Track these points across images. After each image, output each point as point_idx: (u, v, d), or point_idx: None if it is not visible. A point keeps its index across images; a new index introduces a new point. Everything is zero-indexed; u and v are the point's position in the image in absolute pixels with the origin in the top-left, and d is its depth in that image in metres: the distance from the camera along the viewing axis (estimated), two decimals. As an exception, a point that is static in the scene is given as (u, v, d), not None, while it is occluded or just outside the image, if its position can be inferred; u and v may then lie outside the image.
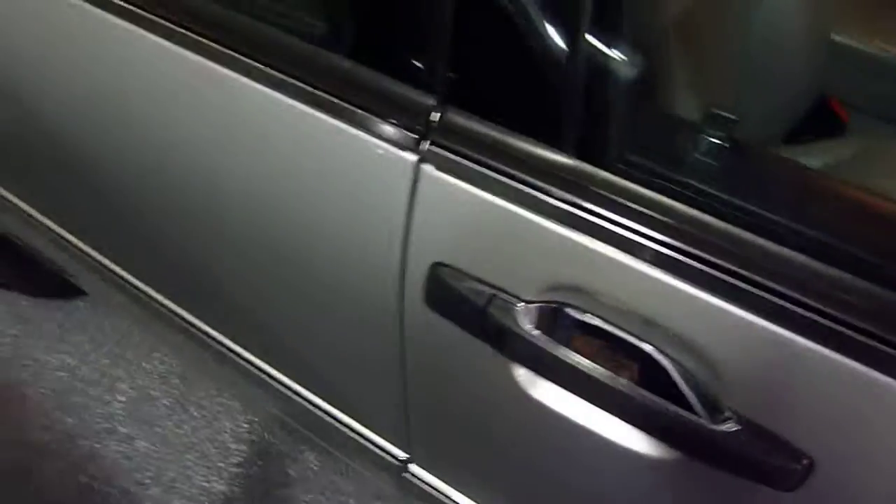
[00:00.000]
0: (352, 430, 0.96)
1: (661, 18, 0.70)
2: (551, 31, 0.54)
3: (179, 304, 1.09)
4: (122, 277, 1.15)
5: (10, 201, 1.27)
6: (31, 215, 1.25)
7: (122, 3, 0.75)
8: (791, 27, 1.18)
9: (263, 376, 1.02)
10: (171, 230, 0.94)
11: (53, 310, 1.84)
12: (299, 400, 1.00)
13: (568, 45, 0.54)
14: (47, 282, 1.77)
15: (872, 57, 1.35)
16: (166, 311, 1.11)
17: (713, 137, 0.55)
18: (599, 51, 0.54)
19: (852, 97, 1.34)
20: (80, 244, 1.19)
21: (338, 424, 0.97)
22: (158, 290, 1.10)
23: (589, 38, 0.53)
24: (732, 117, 0.54)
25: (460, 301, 0.61)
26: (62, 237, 1.21)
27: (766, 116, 1.13)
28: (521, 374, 0.63)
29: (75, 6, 0.79)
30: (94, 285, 1.31)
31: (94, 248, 1.17)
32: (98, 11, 0.77)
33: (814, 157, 1.21)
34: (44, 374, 1.71)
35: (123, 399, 1.68)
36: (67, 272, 1.39)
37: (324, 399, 0.97)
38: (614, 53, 0.55)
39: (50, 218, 1.22)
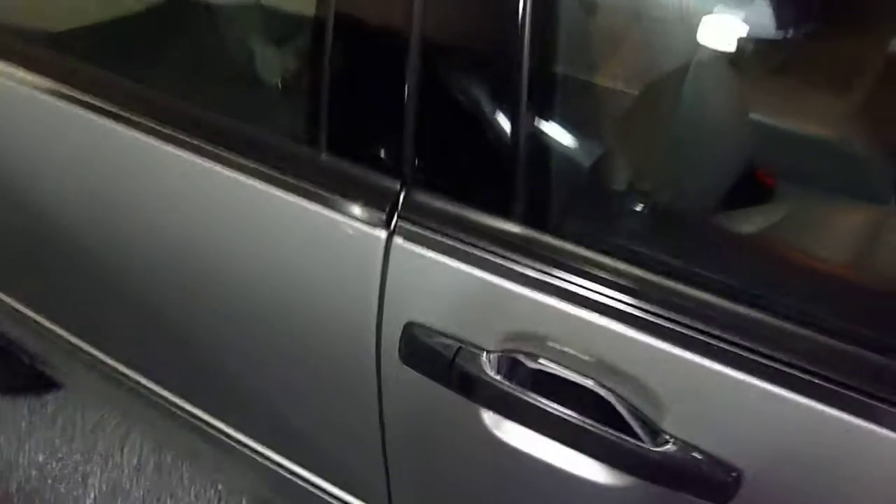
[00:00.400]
0: (332, 496, 1.01)
1: (592, 110, 0.82)
2: (499, 123, 0.66)
3: (157, 382, 1.14)
4: (99, 358, 1.19)
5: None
6: (6, 302, 1.29)
7: (106, 104, 0.85)
8: (713, 108, 1.34)
9: (242, 448, 1.07)
10: (151, 308, 1.00)
11: (22, 405, 1.84)
12: (278, 470, 1.04)
13: (512, 135, 0.65)
14: (18, 377, 1.78)
15: (790, 133, 1.52)
16: (144, 389, 1.16)
17: (637, 205, 0.66)
18: (539, 138, 0.66)
19: (777, 168, 1.50)
20: (57, 328, 1.23)
21: (318, 492, 1.02)
22: (136, 369, 1.15)
23: (530, 127, 0.65)
24: (654, 187, 0.65)
25: (431, 355, 0.70)
26: (39, 322, 1.25)
27: (695, 188, 1.26)
28: (488, 418, 0.71)
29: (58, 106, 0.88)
30: (69, 369, 1.35)
31: (70, 330, 1.22)
32: (77, 109, 0.87)
33: (745, 223, 1.34)
34: (13, 472, 1.70)
35: (95, 493, 1.67)
36: (43, 359, 1.42)
37: (303, 467, 1.02)
38: (552, 140, 0.67)
39: (27, 303, 1.26)
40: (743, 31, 1.28)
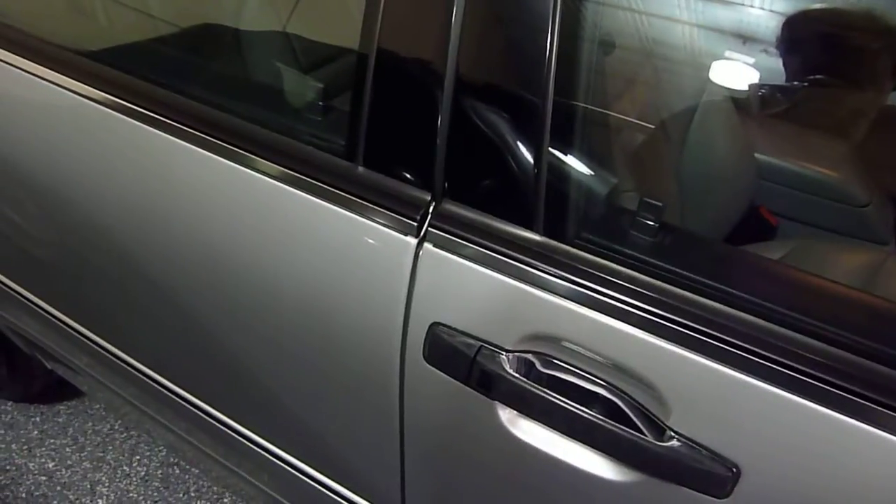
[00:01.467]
0: (345, 499, 1.05)
1: (608, 138, 0.89)
2: (521, 141, 0.72)
3: (178, 384, 1.18)
4: (122, 360, 1.24)
5: (13, 290, 1.37)
6: (33, 302, 1.34)
7: (154, 114, 0.92)
8: (720, 147, 1.42)
9: (258, 450, 1.11)
10: (177, 310, 1.05)
11: (35, 414, 1.88)
12: (292, 472, 1.08)
13: (534, 152, 0.72)
14: (37, 383, 1.83)
15: (792, 171, 1.59)
16: (163, 390, 1.20)
17: (646, 220, 0.72)
18: (560, 159, 0.72)
19: (779, 205, 1.57)
20: (82, 328, 1.28)
21: (331, 494, 1.06)
22: (158, 371, 1.20)
23: (550, 147, 0.72)
24: (661, 204, 0.71)
25: (453, 354, 0.75)
26: (65, 323, 1.30)
27: (703, 221, 1.32)
28: (504, 416, 0.76)
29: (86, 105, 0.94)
30: (89, 371, 1.39)
31: (94, 331, 1.27)
32: (117, 115, 0.93)
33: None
34: (23, 479, 1.73)
35: (103, 502, 1.70)
36: (64, 362, 1.46)
37: (318, 469, 1.06)
38: (571, 161, 0.73)
39: (54, 304, 1.31)
40: (750, 75, 1.36)
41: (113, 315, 1.22)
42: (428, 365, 0.78)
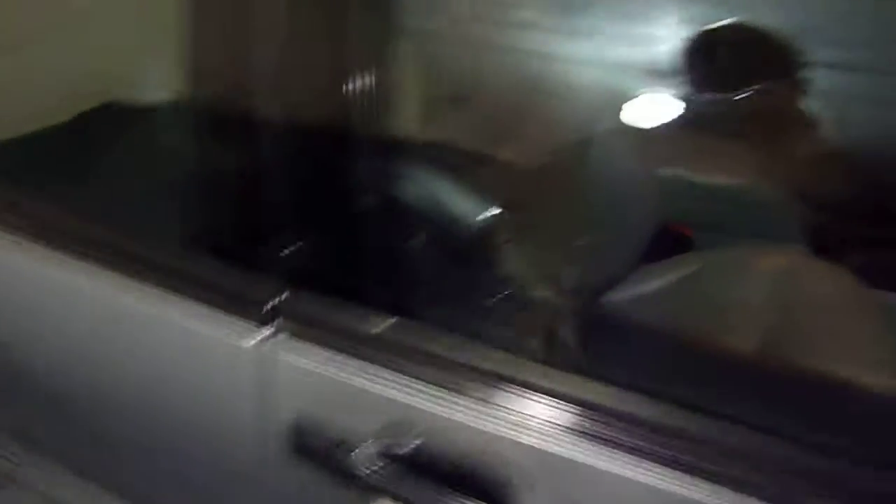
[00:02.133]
0: None
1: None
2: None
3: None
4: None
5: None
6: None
7: None
8: (620, 170, 1.39)
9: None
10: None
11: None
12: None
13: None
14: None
15: (702, 184, 1.58)
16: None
17: (529, 295, 0.69)
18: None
19: (692, 218, 1.55)
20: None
21: None
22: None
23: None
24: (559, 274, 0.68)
25: (316, 447, 0.71)
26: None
27: (610, 253, 1.30)
28: (376, 504, 0.72)
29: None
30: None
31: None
32: None
33: (666, 274, 1.37)
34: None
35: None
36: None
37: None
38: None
39: None
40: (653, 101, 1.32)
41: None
42: (293, 457, 0.75)
